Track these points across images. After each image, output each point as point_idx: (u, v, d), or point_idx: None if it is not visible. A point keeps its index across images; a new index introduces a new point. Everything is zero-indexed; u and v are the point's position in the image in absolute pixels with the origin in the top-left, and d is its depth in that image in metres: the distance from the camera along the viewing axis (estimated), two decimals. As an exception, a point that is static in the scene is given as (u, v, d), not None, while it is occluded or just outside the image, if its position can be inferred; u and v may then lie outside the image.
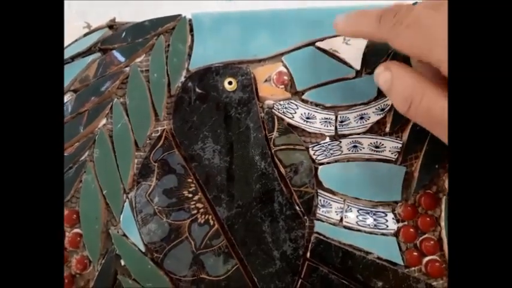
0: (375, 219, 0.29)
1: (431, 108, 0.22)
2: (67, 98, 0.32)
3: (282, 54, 0.32)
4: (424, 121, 0.23)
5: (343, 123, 0.31)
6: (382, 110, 0.31)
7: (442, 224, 0.29)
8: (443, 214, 0.29)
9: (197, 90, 0.31)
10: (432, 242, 0.29)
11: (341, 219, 0.30)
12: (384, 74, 0.25)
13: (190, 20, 0.33)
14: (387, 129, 0.31)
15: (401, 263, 0.29)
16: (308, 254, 0.29)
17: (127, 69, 0.32)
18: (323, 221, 0.30)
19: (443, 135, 0.22)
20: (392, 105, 0.31)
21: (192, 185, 0.30)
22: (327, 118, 0.31)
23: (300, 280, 0.29)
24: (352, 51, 0.32)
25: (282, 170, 0.30)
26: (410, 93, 0.23)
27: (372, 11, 0.26)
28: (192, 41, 0.33)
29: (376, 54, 0.32)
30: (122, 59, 0.33)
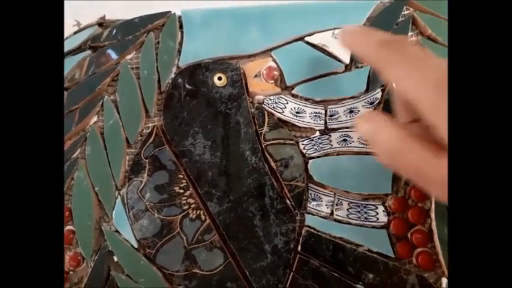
0: (365, 212, 0.29)
1: (420, 168, 0.21)
2: (58, 96, 0.32)
3: (272, 49, 0.32)
4: (411, 177, 0.22)
5: (332, 117, 0.31)
6: (372, 103, 0.31)
7: (432, 215, 0.29)
8: (433, 206, 0.29)
9: (187, 86, 0.31)
10: (423, 234, 0.29)
11: (331, 213, 0.30)
12: (366, 126, 0.23)
13: (180, 17, 0.33)
14: (377, 123, 0.31)
15: (392, 255, 0.29)
16: (299, 248, 0.29)
17: (117, 66, 0.32)
18: (314, 215, 0.30)
19: (437, 194, 0.21)
20: (381, 99, 0.31)
21: (183, 181, 0.30)
22: (316, 112, 0.31)
23: (292, 273, 0.29)
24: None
25: (273, 164, 0.30)
26: (394, 147, 0.21)
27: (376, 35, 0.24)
28: (182, 37, 0.33)
29: (366, 48, 0.32)
30: (115, 56, 0.33)
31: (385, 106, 0.31)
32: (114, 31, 0.33)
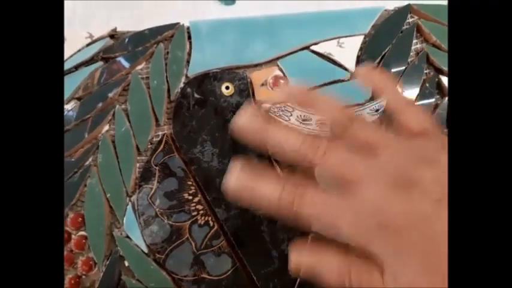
0: (371, 218, 0.30)
1: (362, 281, 0.20)
2: (71, 105, 0.33)
3: (278, 58, 0.33)
4: None
5: (338, 125, 0.31)
6: (377, 110, 0.31)
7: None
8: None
9: (196, 95, 0.32)
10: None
11: (338, 219, 0.30)
12: (301, 264, 0.21)
13: (188, 28, 0.34)
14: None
15: (398, 260, 0.29)
16: (306, 253, 0.29)
17: (128, 76, 0.34)
18: (320, 221, 0.30)
19: None
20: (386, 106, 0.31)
21: (192, 188, 0.31)
22: (322, 120, 0.31)
23: (299, 279, 0.29)
24: (346, 54, 0.32)
25: (279, 171, 0.31)
26: (338, 275, 0.20)
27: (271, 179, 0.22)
28: (191, 47, 0.34)
29: (370, 56, 0.32)
30: (126, 64, 0.34)
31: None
32: (125, 42, 0.34)
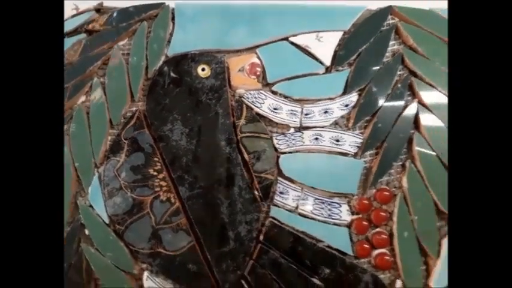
0: (329, 209, 0.30)
1: None
2: (50, 74, 0.34)
3: (257, 46, 0.33)
4: None
5: (307, 116, 0.32)
6: (347, 106, 0.32)
7: (395, 219, 0.30)
8: (396, 210, 0.30)
9: (172, 74, 0.33)
10: (383, 236, 0.30)
11: (297, 207, 0.31)
12: None
13: (173, 9, 0.35)
14: (350, 125, 0.32)
15: (351, 253, 0.30)
16: (261, 237, 0.30)
17: (109, 51, 0.34)
18: (279, 207, 0.31)
19: None
20: (356, 102, 0.32)
21: (158, 164, 0.32)
22: (293, 110, 0.32)
23: (251, 261, 0.30)
24: (324, 48, 0.33)
25: (246, 156, 0.31)
26: None
27: None
28: (173, 28, 0.34)
29: (347, 52, 0.33)
30: (107, 40, 0.34)
31: (360, 110, 0.31)
32: (110, 17, 0.35)
